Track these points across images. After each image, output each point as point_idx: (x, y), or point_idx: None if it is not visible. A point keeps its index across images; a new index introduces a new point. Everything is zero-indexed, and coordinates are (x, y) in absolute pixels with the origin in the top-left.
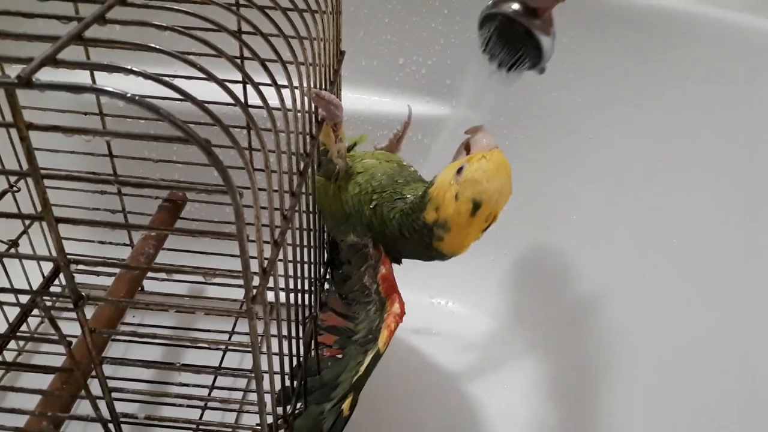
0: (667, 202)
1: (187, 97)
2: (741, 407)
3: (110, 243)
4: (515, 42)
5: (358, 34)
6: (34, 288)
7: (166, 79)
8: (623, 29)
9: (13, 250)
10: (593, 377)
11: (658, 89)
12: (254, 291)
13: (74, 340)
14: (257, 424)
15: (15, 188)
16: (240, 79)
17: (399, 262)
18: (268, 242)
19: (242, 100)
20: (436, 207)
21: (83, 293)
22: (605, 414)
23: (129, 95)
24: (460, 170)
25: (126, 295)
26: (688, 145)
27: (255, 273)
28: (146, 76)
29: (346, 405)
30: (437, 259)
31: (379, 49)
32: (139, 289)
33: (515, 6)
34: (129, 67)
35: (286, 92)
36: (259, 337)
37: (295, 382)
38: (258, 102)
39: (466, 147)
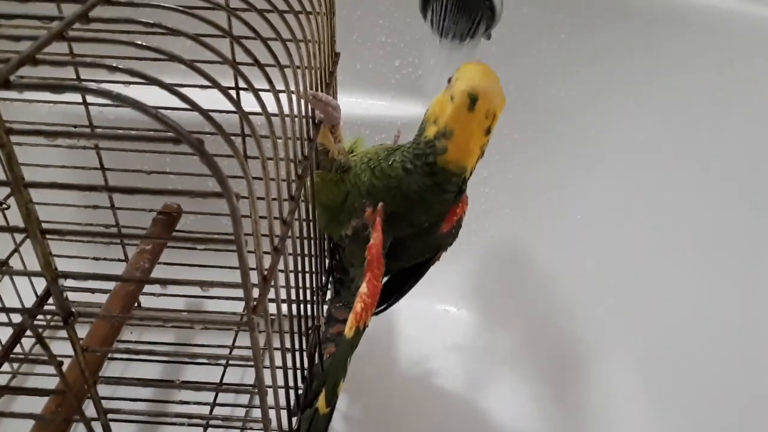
0: (671, 197)
1: (186, 101)
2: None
3: (104, 259)
4: (468, 9)
5: (353, 37)
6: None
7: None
8: (624, 22)
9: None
10: (600, 384)
11: (660, 82)
12: (255, 301)
13: (69, 361)
14: None
15: (5, 205)
16: (228, 83)
17: (398, 261)
18: (268, 252)
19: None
20: (434, 120)
21: (73, 309)
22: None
23: (114, 93)
24: (449, 81)
25: (121, 311)
26: (692, 139)
27: (255, 285)
28: (132, 73)
29: (320, 402)
30: (441, 204)
31: (374, 52)
32: (136, 305)
33: None
34: (114, 65)
35: (282, 96)
36: (261, 350)
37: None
38: (250, 108)
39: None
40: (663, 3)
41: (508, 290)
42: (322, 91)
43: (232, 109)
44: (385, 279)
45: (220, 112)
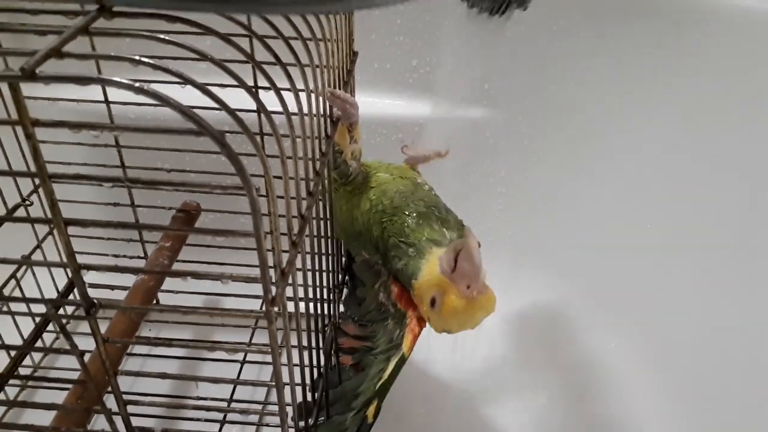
0: (686, 199)
1: (212, 97)
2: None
3: (124, 256)
4: None
5: (370, 36)
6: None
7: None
8: (638, 22)
9: (24, 266)
10: (609, 398)
11: (671, 82)
12: (273, 293)
13: (89, 355)
14: None
15: (28, 202)
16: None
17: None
18: (286, 251)
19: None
20: (420, 300)
21: (95, 301)
22: None
23: (137, 85)
24: (433, 301)
25: (140, 306)
26: (702, 139)
27: (273, 283)
28: (155, 66)
29: (370, 411)
30: None
31: (391, 51)
32: (154, 302)
33: None
34: (137, 57)
35: (301, 94)
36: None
37: (316, 394)
38: (270, 106)
39: (455, 254)
40: (677, 3)
41: (522, 290)
42: (340, 89)
43: (251, 107)
44: None
45: (239, 110)
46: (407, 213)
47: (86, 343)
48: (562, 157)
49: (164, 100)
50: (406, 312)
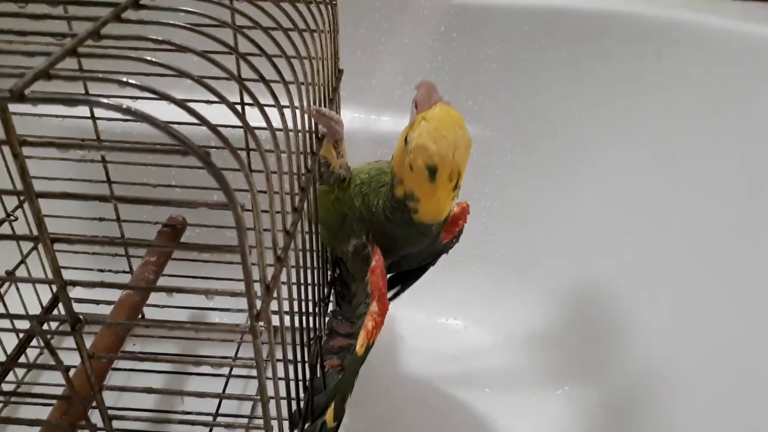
0: (672, 212)
1: (195, 115)
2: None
3: (110, 271)
4: None
5: (356, 54)
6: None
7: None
8: (614, 40)
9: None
10: (608, 397)
11: (651, 98)
12: (258, 308)
13: (74, 370)
14: None
15: (12, 217)
16: (234, 99)
17: (400, 267)
18: (271, 265)
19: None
20: (400, 180)
21: (80, 316)
22: None
23: (124, 106)
24: (414, 105)
25: (125, 321)
26: (682, 153)
27: (258, 297)
28: (141, 87)
29: (328, 415)
30: (429, 239)
31: (377, 68)
32: (140, 317)
33: None
34: (124, 79)
35: (286, 111)
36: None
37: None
38: (255, 123)
39: (416, 106)
40: (660, 24)
41: (511, 303)
42: (325, 106)
43: (238, 123)
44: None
45: (226, 126)
46: (384, 171)
47: (71, 359)
48: (545, 172)
49: (150, 121)
50: (369, 297)
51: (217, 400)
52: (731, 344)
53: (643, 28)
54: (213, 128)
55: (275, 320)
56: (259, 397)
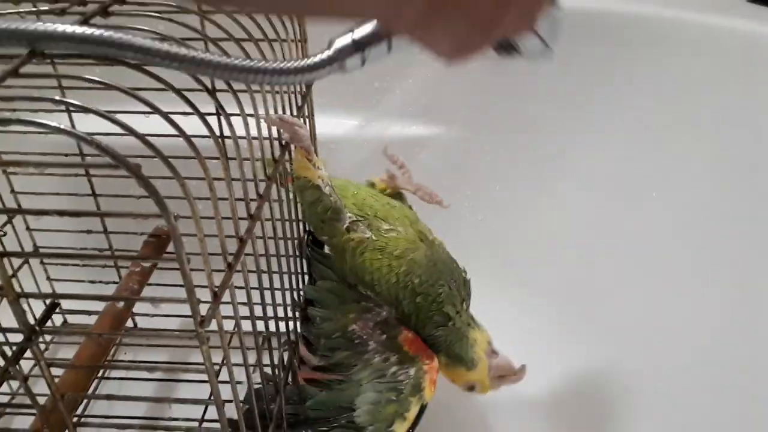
0: (645, 212)
1: (123, 127)
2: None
3: (100, 282)
4: None
5: None
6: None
7: (112, 115)
8: (593, 41)
9: None
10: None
11: (629, 99)
12: (202, 317)
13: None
14: None
15: (1, 232)
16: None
17: None
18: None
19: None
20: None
21: (37, 328)
22: None
23: (61, 126)
24: (473, 387)
25: (109, 330)
26: (662, 152)
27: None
28: (86, 109)
29: None
30: None
31: (353, 74)
32: (132, 326)
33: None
34: (57, 98)
35: (236, 119)
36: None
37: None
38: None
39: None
40: (635, 18)
41: (492, 304)
42: (293, 113)
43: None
44: None
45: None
46: (440, 283)
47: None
48: (525, 173)
49: (82, 139)
50: (417, 356)
51: (204, 406)
52: (730, 342)
53: (621, 31)
54: (143, 139)
55: (228, 325)
56: (212, 401)
